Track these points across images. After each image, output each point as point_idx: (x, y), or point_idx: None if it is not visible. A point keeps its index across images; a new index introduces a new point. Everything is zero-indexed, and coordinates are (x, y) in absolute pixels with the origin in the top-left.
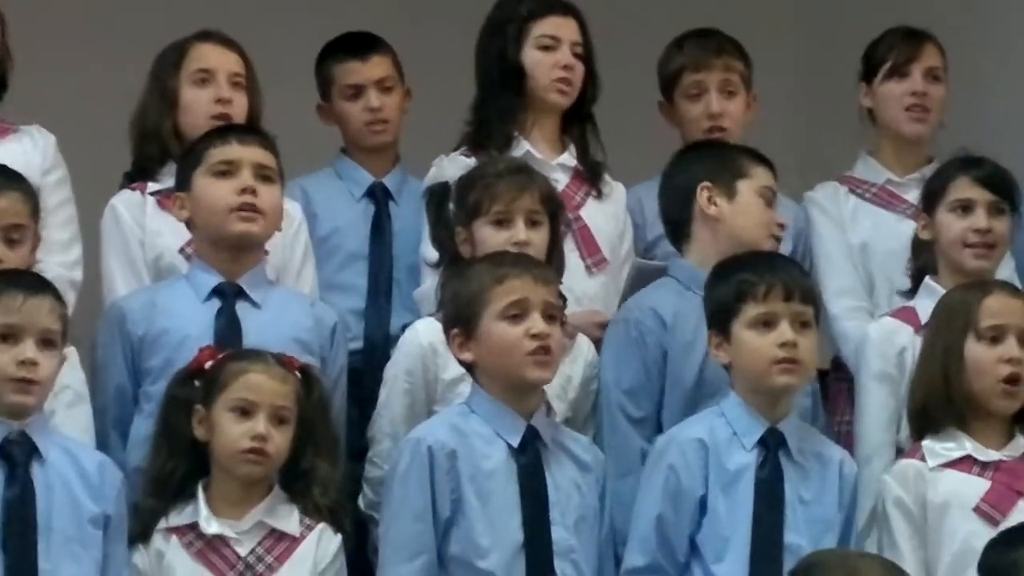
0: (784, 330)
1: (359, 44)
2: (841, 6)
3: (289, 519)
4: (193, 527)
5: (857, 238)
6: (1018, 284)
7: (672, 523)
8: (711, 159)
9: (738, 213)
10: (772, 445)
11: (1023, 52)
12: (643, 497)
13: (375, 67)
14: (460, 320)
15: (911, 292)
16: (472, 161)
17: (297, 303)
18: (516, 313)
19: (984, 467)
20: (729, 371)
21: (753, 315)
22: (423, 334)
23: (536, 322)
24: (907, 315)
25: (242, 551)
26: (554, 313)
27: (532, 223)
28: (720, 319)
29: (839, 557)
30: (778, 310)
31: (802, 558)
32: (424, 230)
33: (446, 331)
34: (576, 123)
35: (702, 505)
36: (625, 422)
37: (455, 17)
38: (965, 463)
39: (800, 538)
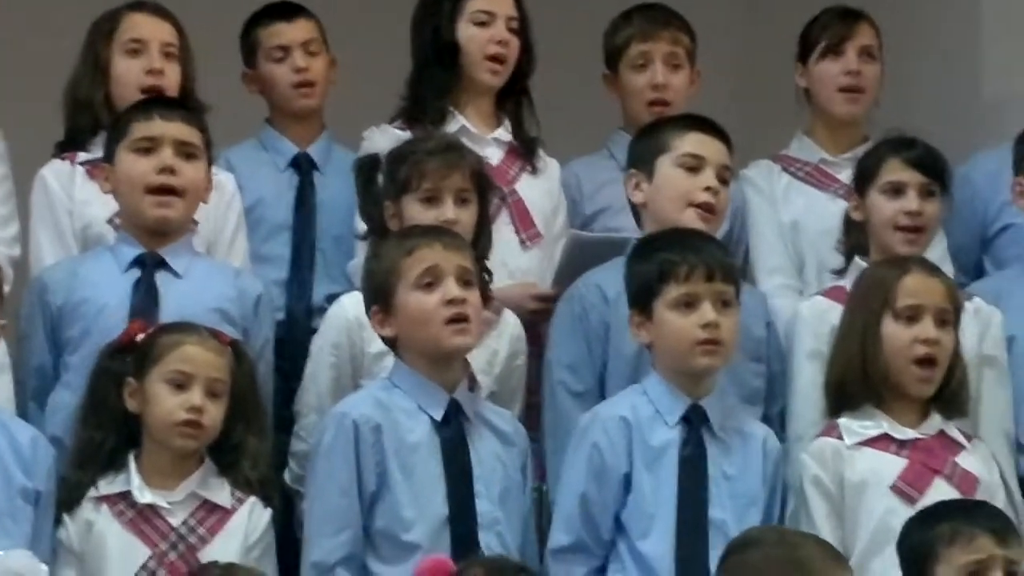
0: (706, 311)
1: (284, 9)
2: None
3: (221, 491)
4: (125, 496)
5: (788, 216)
6: (949, 265)
7: (596, 501)
8: (637, 143)
9: (658, 194)
10: (695, 422)
11: (954, 30)
12: (567, 476)
13: (300, 29)
14: (378, 297)
15: (842, 271)
16: (406, 134)
17: (220, 274)
18: (429, 281)
19: (901, 445)
20: (650, 350)
21: (675, 295)
22: (349, 308)
23: (451, 287)
24: (838, 294)
25: (175, 522)
26: (469, 279)
27: (461, 201)
28: (641, 298)
29: (776, 534)
30: (700, 291)
31: (739, 535)
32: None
33: (367, 309)
34: (511, 98)
35: (626, 482)
36: (565, 396)
37: None
38: (882, 441)
39: (725, 513)
